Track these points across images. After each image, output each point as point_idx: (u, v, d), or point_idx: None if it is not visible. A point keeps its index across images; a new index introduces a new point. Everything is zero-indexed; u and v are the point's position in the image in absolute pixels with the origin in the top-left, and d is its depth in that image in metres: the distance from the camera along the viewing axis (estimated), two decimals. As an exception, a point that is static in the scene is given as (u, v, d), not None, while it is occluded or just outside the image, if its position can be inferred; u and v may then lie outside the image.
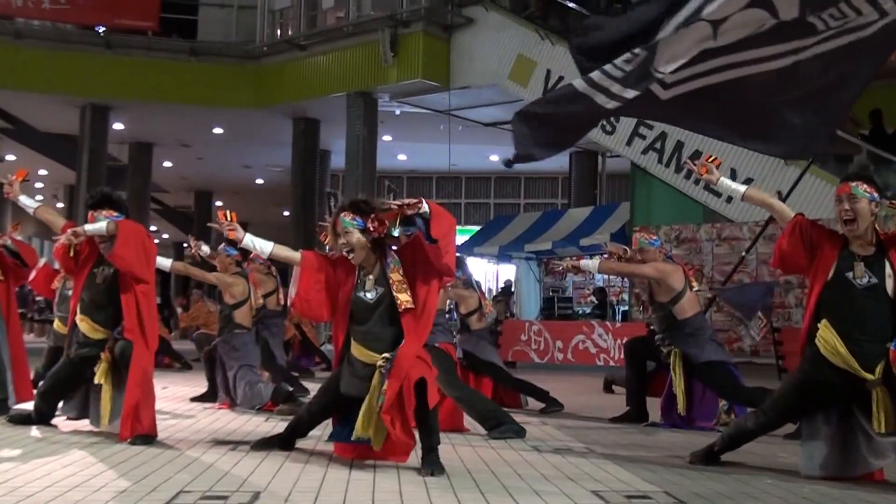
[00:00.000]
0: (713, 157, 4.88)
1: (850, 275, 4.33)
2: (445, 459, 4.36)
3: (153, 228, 30.78)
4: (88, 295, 5.40)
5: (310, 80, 17.46)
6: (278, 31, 18.74)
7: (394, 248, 4.63)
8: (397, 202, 4.42)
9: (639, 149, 13.72)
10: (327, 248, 4.89)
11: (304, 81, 17.56)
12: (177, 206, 30.10)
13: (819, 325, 4.35)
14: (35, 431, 5.42)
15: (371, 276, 4.58)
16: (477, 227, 20.50)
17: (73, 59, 18.01)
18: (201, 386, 7.90)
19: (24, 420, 5.66)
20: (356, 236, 4.53)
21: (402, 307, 4.48)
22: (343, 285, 4.61)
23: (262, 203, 28.11)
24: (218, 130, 20.36)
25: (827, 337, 4.31)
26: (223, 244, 7.38)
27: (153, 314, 5.45)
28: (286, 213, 22.15)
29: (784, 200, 12.05)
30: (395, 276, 4.53)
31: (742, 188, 4.72)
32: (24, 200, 5.60)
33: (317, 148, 19.11)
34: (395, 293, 4.49)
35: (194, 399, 7.62)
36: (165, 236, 38.95)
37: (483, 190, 24.82)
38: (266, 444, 4.92)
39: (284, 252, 4.69)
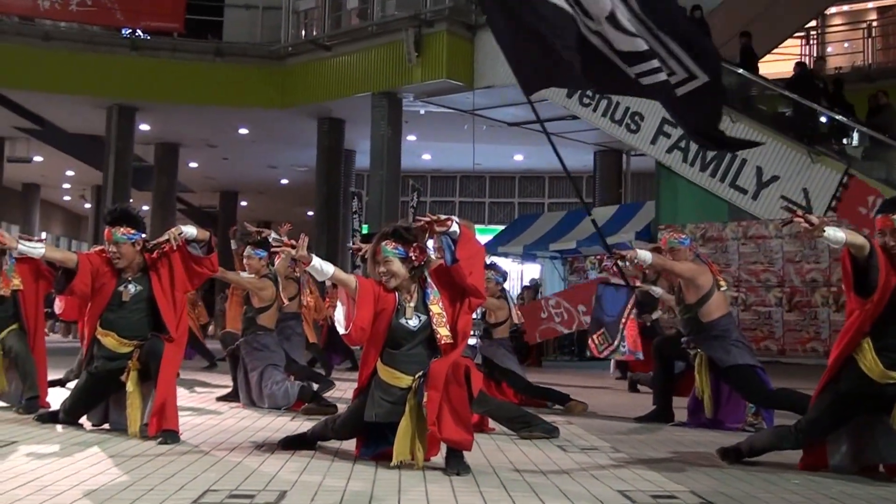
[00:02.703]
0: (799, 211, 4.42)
1: None
2: (471, 459, 4.35)
3: (179, 228, 30.87)
4: (114, 314, 5.41)
5: (334, 81, 17.52)
6: (303, 32, 18.84)
7: (426, 273, 4.60)
8: (427, 218, 4.43)
9: (663, 147, 13.67)
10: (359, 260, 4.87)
11: (328, 82, 17.62)
12: (202, 206, 30.29)
13: (863, 344, 4.36)
14: (62, 430, 5.46)
15: (411, 304, 4.55)
16: (501, 227, 20.48)
17: (100, 60, 18.19)
18: (227, 385, 7.95)
19: (51, 419, 5.71)
20: (397, 265, 4.51)
21: (443, 341, 4.48)
22: (384, 311, 4.53)
23: (287, 203, 28.23)
24: (243, 131, 20.47)
25: (867, 355, 4.32)
26: (249, 246, 7.39)
27: (186, 316, 5.57)
28: (310, 213, 22.23)
29: (808, 199, 12.05)
30: (436, 309, 4.51)
31: (842, 235, 4.30)
32: (25, 248, 5.41)
33: (341, 148, 19.17)
34: (434, 326, 4.48)
35: (220, 398, 7.66)
36: (191, 236, 39.08)
37: (507, 189, 24.80)
38: (292, 442, 4.93)
39: (342, 276, 4.59)
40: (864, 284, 4.35)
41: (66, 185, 28.60)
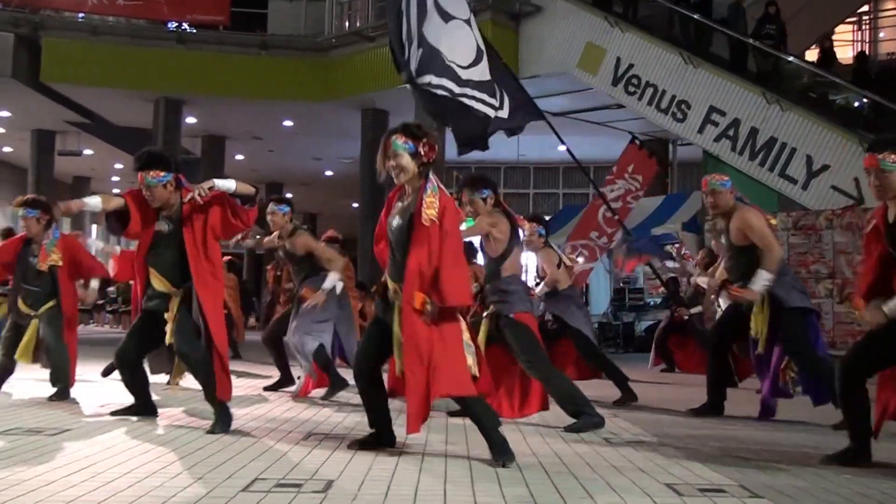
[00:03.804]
0: None
1: None
2: (517, 452, 4.34)
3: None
4: (153, 252, 5.44)
5: (378, 72, 17.53)
6: (346, 23, 18.88)
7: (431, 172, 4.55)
8: None
9: (711, 136, 13.49)
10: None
11: (372, 73, 17.64)
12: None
13: None
14: (112, 419, 5.55)
15: (405, 202, 4.54)
16: (546, 218, 20.32)
17: (147, 54, 18.40)
18: (273, 376, 8.02)
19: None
20: (406, 160, 4.50)
21: (426, 220, 4.34)
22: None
23: (332, 195, 28.37)
24: (288, 123, 20.60)
25: None
26: (272, 202, 7.42)
27: (220, 264, 5.53)
28: (355, 205, 22.33)
29: (859, 189, 11.81)
30: (430, 199, 4.42)
31: None
32: (89, 202, 5.50)
33: (386, 139, 19.17)
34: (423, 209, 4.36)
35: (268, 388, 7.71)
36: (237, 228, 39.32)
37: (551, 180, 24.65)
38: (369, 442, 4.70)
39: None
40: None
41: (115, 178, 29.01)
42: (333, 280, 7.00)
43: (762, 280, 5.92)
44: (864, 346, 4.50)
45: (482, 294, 5.92)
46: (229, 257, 12.53)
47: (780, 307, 6.05)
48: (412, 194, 4.51)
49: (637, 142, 13.92)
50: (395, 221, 4.53)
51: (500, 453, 4.24)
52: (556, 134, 8.91)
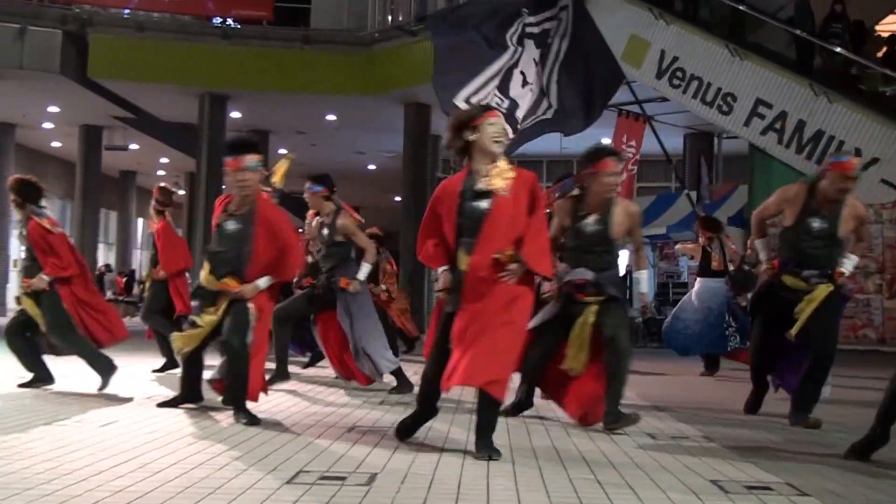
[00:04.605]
0: None
1: None
2: (562, 449, 4.32)
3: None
4: (213, 247, 5.45)
5: (421, 66, 17.49)
6: (389, 18, 18.90)
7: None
8: None
9: (758, 129, 13.29)
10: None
11: (415, 67, 17.63)
12: (292, 193, 30.68)
13: None
14: (160, 411, 5.61)
15: (485, 180, 4.38)
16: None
17: (192, 49, 18.59)
18: (316, 376, 8.06)
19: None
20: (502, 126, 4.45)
21: (498, 192, 4.31)
22: (448, 212, 4.52)
23: (374, 188, 28.44)
24: (331, 117, 20.68)
25: None
26: (309, 181, 7.48)
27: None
28: (398, 199, 22.39)
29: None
30: (503, 164, 4.38)
31: None
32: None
33: (428, 133, 19.18)
34: (493, 177, 4.33)
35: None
36: (281, 222, 39.58)
37: (594, 174, 24.46)
38: (410, 427, 4.71)
39: None
40: None
41: (161, 172, 29.37)
42: (367, 270, 7.14)
43: (852, 264, 5.93)
44: None
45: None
46: None
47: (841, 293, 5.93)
48: (489, 170, 4.44)
49: (624, 112, 13.93)
50: (483, 204, 4.39)
51: (484, 446, 4.22)
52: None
